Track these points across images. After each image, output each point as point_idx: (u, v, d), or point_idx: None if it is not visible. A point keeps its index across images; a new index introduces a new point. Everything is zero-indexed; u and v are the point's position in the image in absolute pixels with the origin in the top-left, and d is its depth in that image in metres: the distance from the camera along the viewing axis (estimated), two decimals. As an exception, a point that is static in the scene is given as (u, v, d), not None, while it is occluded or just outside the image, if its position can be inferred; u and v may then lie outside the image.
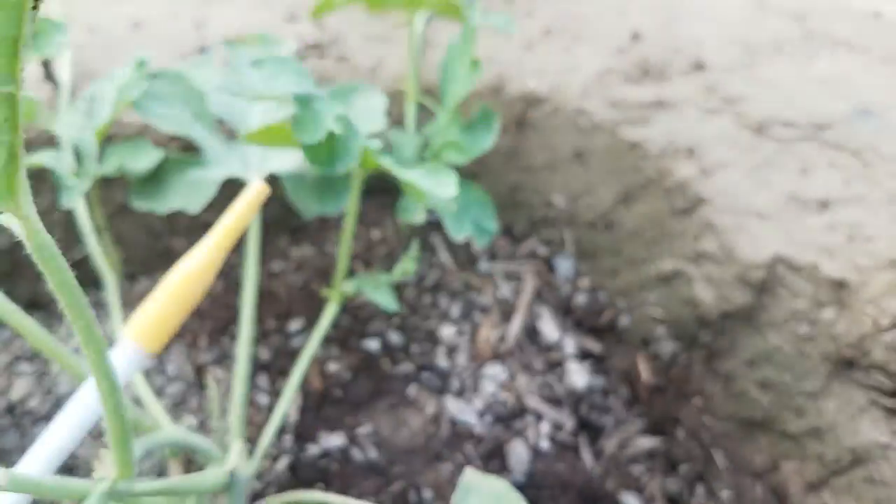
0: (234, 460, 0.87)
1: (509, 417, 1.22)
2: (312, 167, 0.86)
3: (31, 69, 1.34)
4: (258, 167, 1.17)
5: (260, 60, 0.90)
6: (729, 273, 1.21)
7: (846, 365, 1.10)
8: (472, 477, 0.90)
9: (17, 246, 1.30)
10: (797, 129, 1.37)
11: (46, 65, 1.29)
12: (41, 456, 0.80)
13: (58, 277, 0.53)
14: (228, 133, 1.28)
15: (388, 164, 0.92)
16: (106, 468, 0.70)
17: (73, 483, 0.66)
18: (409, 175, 0.91)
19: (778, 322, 1.17)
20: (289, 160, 1.17)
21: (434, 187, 0.90)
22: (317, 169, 0.81)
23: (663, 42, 1.59)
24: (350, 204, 1.07)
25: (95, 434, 1.16)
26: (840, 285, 1.11)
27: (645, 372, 1.30)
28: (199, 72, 1.24)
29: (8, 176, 0.46)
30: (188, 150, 1.30)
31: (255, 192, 1.03)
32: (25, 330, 0.89)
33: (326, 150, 0.82)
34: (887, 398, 1.06)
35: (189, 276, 0.95)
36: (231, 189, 1.21)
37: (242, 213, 1.02)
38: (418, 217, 1.26)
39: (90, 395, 0.85)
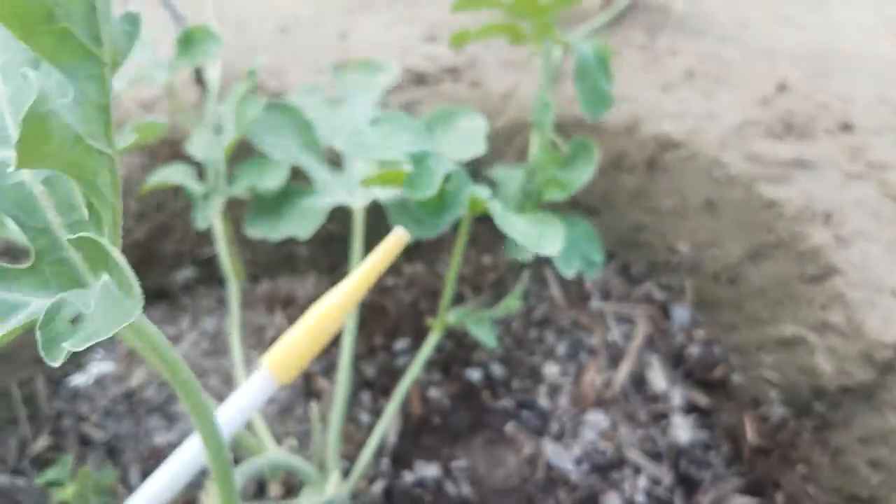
0: (332, 490, 0.89)
1: (607, 467, 1.21)
2: (421, 215, 0.87)
3: (184, 75, 1.40)
4: (363, 195, 1.20)
5: (377, 119, 0.92)
6: (854, 348, 1.17)
7: (967, 459, 1.05)
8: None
9: (150, 237, 1.36)
10: (946, 203, 1.31)
11: (198, 70, 1.34)
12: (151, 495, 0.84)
13: (179, 379, 0.56)
14: (334, 160, 1.30)
15: (495, 211, 0.92)
16: (210, 501, 0.73)
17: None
18: (514, 228, 0.92)
19: (900, 405, 1.12)
20: (393, 190, 1.19)
21: (539, 243, 0.90)
22: (426, 220, 0.83)
23: (811, 96, 1.54)
24: (457, 245, 1.08)
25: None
26: (971, 375, 1.06)
27: (751, 432, 1.27)
28: (309, 100, 1.27)
29: (113, 238, 0.48)
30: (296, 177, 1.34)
31: (395, 240, 1.06)
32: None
33: (436, 202, 0.84)
34: None
35: (327, 314, 0.98)
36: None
37: (381, 258, 1.04)
38: (526, 255, 1.26)
39: (194, 448, 0.88)
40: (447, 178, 0.83)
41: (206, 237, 1.38)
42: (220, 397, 1.22)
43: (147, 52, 1.25)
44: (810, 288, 1.25)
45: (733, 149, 1.41)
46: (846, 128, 1.47)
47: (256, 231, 1.17)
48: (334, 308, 0.98)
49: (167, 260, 1.39)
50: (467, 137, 1.21)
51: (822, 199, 1.32)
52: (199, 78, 1.35)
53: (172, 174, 1.19)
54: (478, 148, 1.20)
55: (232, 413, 0.90)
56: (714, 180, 1.39)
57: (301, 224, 1.16)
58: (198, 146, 1.21)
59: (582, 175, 1.19)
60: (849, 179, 1.36)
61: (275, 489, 1.11)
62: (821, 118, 1.48)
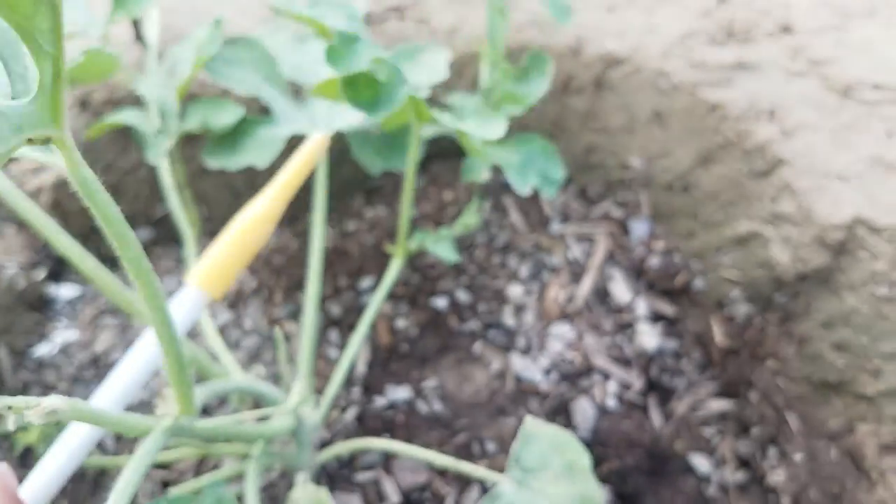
0: (295, 399, 0.89)
1: (575, 376, 1.22)
2: (354, 105, 0.87)
3: (120, 31, 1.39)
4: (324, 125, 1.19)
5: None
6: (807, 234, 1.18)
7: (926, 327, 1.07)
8: (533, 425, 0.91)
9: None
10: (886, 92, 1.32)
11: (136, 25, 1.33)
12: (108, 396, 0.84)
13: (102, 211, 0.54)
14: (298, 95, 1.30)
15: (437, 115, 0.92)
16: (168, 406, 0.73)
17: (136, 418, 0.69)
18: (457, 123, 0.92)
19: (856, 284, 1.14)
20: (354, 117, 1.19)
21: (482, 130, 0.91)
22: (359, 109, 0.83)
23: (752, 4, 1.55)
24: (410, 158, 1.08)
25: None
26: (922, 246, 1.07)
27: (718, 334, 1.28)
28: (273, 37, 1.27)
29: (53, 96, 0.45)
30: (261, 113, 1.34)
31: (314, 144, 1.06)
32: (106, 286, 0.93)
33: (370, 94, 0.84)
34: (969, 362, 1.03)
35: (249, 225, 0.98)
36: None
37: (302, 164, 1.04)
38: (483, 175, 1.26)
39: (148, 349, 0.88)
40: (380, 67, 0.83)
41: (158, 196, 1.37)
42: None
43: (81, 10, 1.24)
44: (760, 183, 1.26)
45: (676, 58, 1.42)
46: (787, 30, 1.48)
47: (215, 162, 1.17)
48: (257, 219, 0.98)
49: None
50: (430, 68, 1.21)
51: (766, 98, 1.33)
52: (137, 35, 1.34)
53: (123, 116, 1.18)
54: (440, 74, 1.20)
55: (147, 353, 0.89)
56: (659, 91, 1.40)
57: (259, 153, 1.16)
58: (149, 85, 1.20)
59: (538, 88, 1.19)
60: (791, 77, 1.37)
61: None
62: (762, 23, 1.49)
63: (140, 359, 0.86)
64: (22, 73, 0.49)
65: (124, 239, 0.57)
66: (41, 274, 1.29)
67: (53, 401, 0.53)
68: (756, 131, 1.29)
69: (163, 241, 1.42)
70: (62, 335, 1.27)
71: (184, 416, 0.72)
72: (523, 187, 1.15)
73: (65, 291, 1.31)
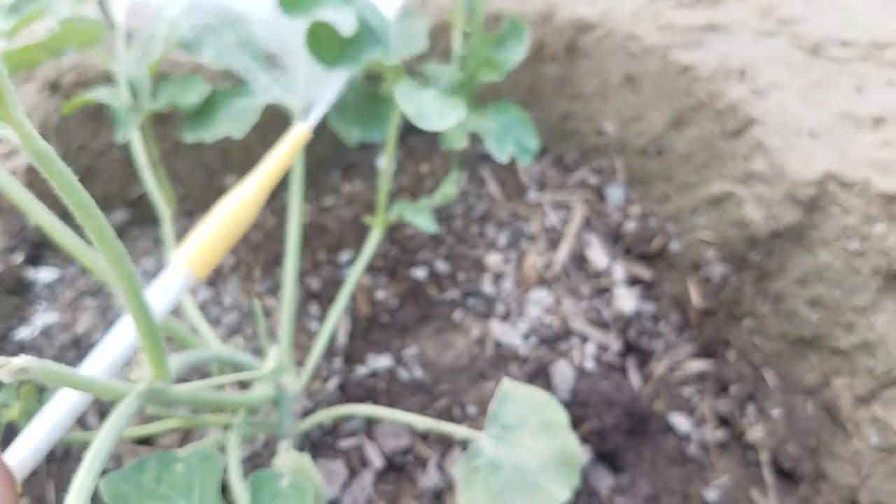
0: (272, 364, 0.90)
1: (554, 339, 1.24)
2: (317, 59, 0.87)
3: (88, 10, 1.38)
4: (302, 93, 1.20)
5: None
6: (779, 192, 1.19)
7: (898, 279, 1.08)
8: (510, 386, 0.92)
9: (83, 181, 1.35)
10: (855, 49, 1.33)
11: (102, 5, 1.33)
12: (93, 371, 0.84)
13: (60, 181, 0.54)
14: (275, 63, 1.30)
15: (400, 87, 0.93)
16: (143, 371, 0.73)
17: (110, 382, 0.69)
18: (412, 102, 0.92)
19: (828, 239, 1.15)
20: (331, 87, 1.19)
21: (435, 119, 0.91)
22: (321, 64, 0.83)
23: (716, -34, 1.56)
24: (392, 126, 1.08)
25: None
26: (892, 199, 1.08)
27: (695, 296, 1.30)
28: (247, 4, 1.27)
29: None
30: (237, 84, 1.34)
31: (298, 134, 1.06)
32: (86, 259, 0.93)
33: (335, 51, 0.84)
34: (940, 311, 1.05)
35: (237, 207, 0.98)
36: (282, 121, 1.25)
37: (287, 152, 1.04)
38: (461, 143, 1.27)
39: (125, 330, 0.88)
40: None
41: (133, 176, 1.37)
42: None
43: None
44: (732, 142, 1.27)
45: (646, 22, 1.43)
46: (754, -10, 1.48)
47: (191, 135, 1.17)
48: (245, 201, 0.99)
49: (97, 203, 1.38)
50: (409, 36, 1.21)
51: (736, 58, 1.34)
52: (105, 15, 1.34)
53: (95, 94, 1.18)
54: (420, 44, 1.20)
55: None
56: (631, 54, 1.41)
57: (235, 124, 1.16)
58: (120, 64, 1.20)
59: (515, 54, 1.19)
60: (760, 37, 1.38)
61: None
62: (729, -15, 1.50)
63: (123, 334, 0.87)
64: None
65: (84, 206, 0.57)
66: (19, 258, 1.29)
67: (24, 360, 0.53)
68: (727, 91, 1.29)
69: (139, 221, 1.42)
70: (42, 318, 1.27)
71: (159, 380, 0.72)
72: (501, 154, 1.16)
73: (44, 275, 1.31)
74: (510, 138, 1.19)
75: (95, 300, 1.31)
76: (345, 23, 0.94)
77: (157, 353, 0.70)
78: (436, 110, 0.92)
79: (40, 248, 1.34)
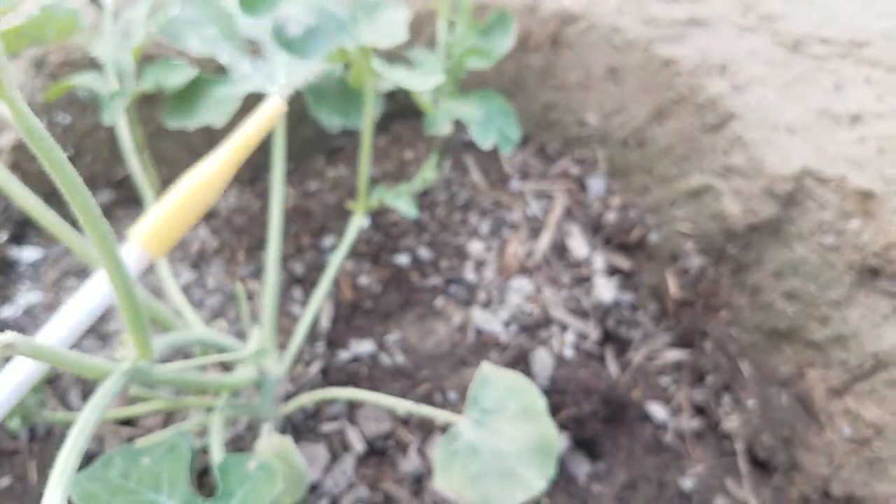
0: (254, 346, 0.91)
1: (534, 327, 1.25)
2: (282, 47, 0.88)
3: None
4: (283, 81, 1.20)
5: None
6: (757, 186, 1.21)
7: (871, 273, 1.10)
8: (489, 370, 0.93)
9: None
10: (834, 46, 1.35)
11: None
12: (54, 334, 0.85)
13: (50, 158, 0.55)
14: (256, 51, 1.31)
15: (380, 68, 0.94)
16: (126, 351, 0.74)
17: (95, 360, 0.70)
18: (394, 73, 0.94)
19: (804, 233, 1.17)
20: (312, 75, 1.20)
21: (418, 81, 0.92)
22: (287, 52, 0.84)
23: (701, -39, 1.57)
24: (366, 111, 1.09)
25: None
26: (867, 196, 1.11)
27: (673, 287, 1.32)
28: None
29: None
30: (219, 72, 1.34)
31: (270, 108, 1.06)
32: (67, 238, 0.93)
33: (300, 41, 0.86)
34: (912, 306, 1.07)
35: (196, 185, 0.98)
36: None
37: (255, 127, 1.05)
38: (445, 129, 1.28)
39: (102, 282, 0.89)
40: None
41: (118, 157, 1.37)
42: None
43: None
44: (712, 136, 1.29)
45: (630, 14, 1.44)
46: (737, -14, 1.50)
47: (174, 122, 1.18)
48: (204, 179, 0.98)
49: (83, 185, 1.38)
50: (388, 27, 1.22)
51: (717, 53, 1.35)
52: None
53: (80, 79, 1.18)
54: (399, 35, 1.21)
55: (98, 291, 0.90)
56: (614, 47, 1.42)
57: (216, 113, 1.17)
58: (104, 48, 1.20)
59: (502, 43, 1.21)
60: (742, 32, 1.40)
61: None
62: (713, -20, 1.52)
63: (85, 301, 0.87)
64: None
65: (73, 185, 0.58)
66: (3, 237, 1.29)
67: (9, 336, 0.54)
68: (708, 86, 1.31)
69: (123, 202, 1.42)
70: (25, 297, 1.27)
71: (142, 360, 0.73)
72: (485, 142, 1.17)
73: (27, 254, 1.31)
74: (493, 127, 1.21)
75: (79, 280, 1.31)
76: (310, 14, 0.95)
77: (140, 332, 0.70)
78: (418, 76, 0.94)
79: (24, 228, 1.34)
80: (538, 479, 0.86)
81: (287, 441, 0.92)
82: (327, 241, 1.36)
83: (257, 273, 1.32)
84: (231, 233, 1.36)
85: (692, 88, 1.32)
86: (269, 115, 1.07)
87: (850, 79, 1.29)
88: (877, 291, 1.10)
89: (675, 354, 1.28)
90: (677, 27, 1.41)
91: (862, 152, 1.16)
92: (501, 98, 1.24)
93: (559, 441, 0.89)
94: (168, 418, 1.15)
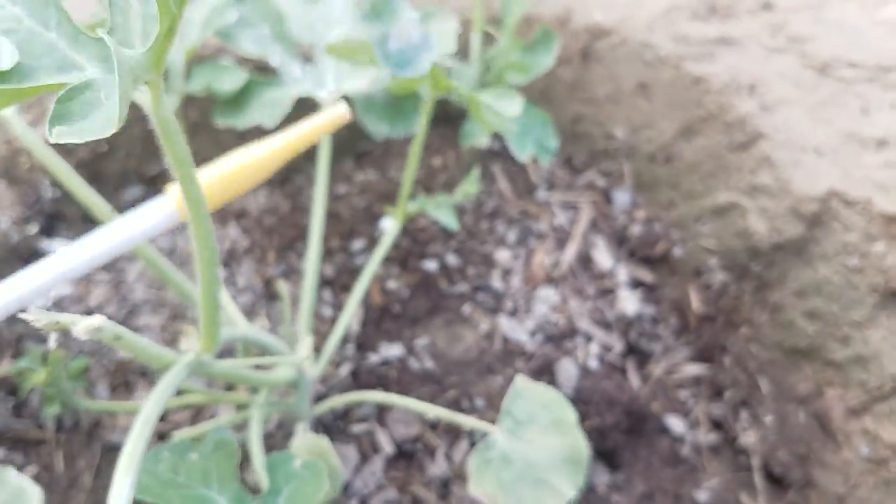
0: (304, 352, 0.93)
1: (560, 337, 1.27)
2: (385, 70, 0.90)
3: None
4: (332, 87, 1.22)
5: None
6: (783, 206, 1.23)
7: (894, 296, 1.12)
8: (522, 384, 0.95)
9: (94, 156, 1.37)
10: (861, 70, 1.37)
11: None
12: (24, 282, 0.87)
13: (175, 150, 0.58)
14: (307, 56, 1.32)
15: (457, 84, 0.96)
16: (191, 343, 0.76)
17: (162, 350, 0.72)
18: (478, 95, 0.96)
19: (828, 254, 1.19)
20: (361, 82, 1.22)
21: (501, 106, 0.94)
22: (390, 71, 0.86)
23: (732, -22, 1.59)
24: (420, 126, 1.11)
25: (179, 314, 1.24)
26: (892, 220, 1.13)
27: (695, 301, 1.34)
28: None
29: (162, 47, 0.49)
30: (263, 71, 1.36)
31: (335, 114, 1.08)
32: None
33: (401, 55, 0.87)
34: (933, 330, 1.09)
35: (243, 162, 0.99)
36: (307, 113, 1.27)
37: (316, 126, 1.06)
38: (483, 141, 1.30)
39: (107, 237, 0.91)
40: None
41: (152, 153, 1.39)
42: (181, 315, 1.26)
43: None
44: (739, 155, 1.31)
45: (661, 31, 1.46)
46: (767, 6, 1.52)
47: (225, 120, 1.21)
48: (256, 160, 0.99)
49: (113, 179, 1.40)
50: (439, 36, 1.24)
51: (746, 73, 1.37)
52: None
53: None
54: (449, 45, 1.23)
55: (125, 233, 0.93)
56: (645, 63, 1.44)
57: (267, 113, 1.19)
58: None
59: (544, 60, 1.24)
60: (771, 53, 1.42)
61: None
62: (743, 0, 1.54)
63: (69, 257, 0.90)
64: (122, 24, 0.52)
65: (191, 181, 0.61)
66: (34, 228, 1.31)
67: (99, 319, 0.55)
68: (737, 105, 1.33)
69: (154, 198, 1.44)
70: (55, 290, 1.29)
71: (206, 353, 0.75)
72: (522, 154, 1.20)
73: (58, 246, 1.33)
74: (531, 138, 1.23)
75: (109, 274, 1.33)
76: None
77: (212, 326, 0.73)
78: (505, 101, 0.96)
79: (55, 220, 1.36)
80: (569, 488, 0.89)
81: (323, 441, 0.94)
82: (357, 244, 1.38)
83: (287, 273, 1.34)
84: (261, 232, 1.38)
85: (721, 106, 1.34)
86: (332, 119, 1.08)
87: (877, 103, 1.31)
88: (899, 314, 1.12)
89: (694, 369, 1.30)
90: (707, 46, 1.43)
91: (888, 176, 1.18)
92: (539, 109, 1.26)
93: (588, 452, 0.91)
94: (197, 414, 1.17)
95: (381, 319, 1.28)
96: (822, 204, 1.19)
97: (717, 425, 1.25)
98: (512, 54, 1.24)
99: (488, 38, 1.46)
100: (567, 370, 1.22)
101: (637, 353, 1.31)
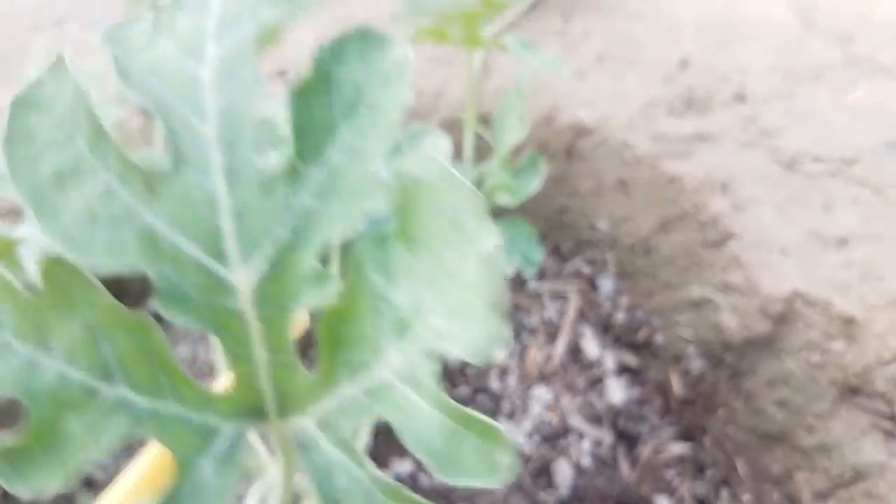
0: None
1: (554, 437, 1.40)
2: None
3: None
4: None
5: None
6: (752, 304, 1.35)
7: (852, 391, 1.24)
8: None
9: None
10: (825, 164, 1.48)
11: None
12: None
13: None
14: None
15: None
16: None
17: None
18: None
19: (793, 350, 1.31)
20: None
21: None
22: None
23: (710, 69, 1.71)
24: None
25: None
26: (850, 321, 1.24)
27: (677, 385, 1.46)
28: None
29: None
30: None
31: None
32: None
33: None
34: (887, 422, 1.20)
35: None
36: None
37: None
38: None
39: None
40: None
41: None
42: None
43: (95, 87, 1.31)
44: (712, 252, 1.43)
45: (640, 130, 1.58)
46: (741, 98, 1.64)
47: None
48: None
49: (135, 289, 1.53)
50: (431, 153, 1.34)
51: (720, 170, 1.49)
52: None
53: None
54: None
55: None
56: (624, 161, 1.56)
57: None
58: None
59: (531, 184, 1.35)
60: (743, 148, 1.54)
61: None
62: (719, 91, 1.65)
63: None
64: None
65: None
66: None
67: None
68: (710, 204, 1.45)
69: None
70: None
71: None
72: (508, 267, 1.32)
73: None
74: (517, 251, 1.35)
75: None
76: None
77: None
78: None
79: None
80: None
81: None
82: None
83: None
84: None
85: (695, 205, 1.46)
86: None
87: (839, 198, 1.43)
88: (857, 408, 1.24)
89: (678, 448, 1.42)
90: (683, 143, 1.55)
91: (846, 277, 1.30)
92: (526, 225, 1.38)
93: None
94: None
95: (391, 433, 1.40)
96: (787, 304, 1.31)
97: (700, 503, 1.37)
98: (502, 177, 1.36)
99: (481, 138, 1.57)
100: (563, 471, 1.34)
101: (626, 439, 1.43)
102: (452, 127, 1.63)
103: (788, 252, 1.36)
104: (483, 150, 1.57)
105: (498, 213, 1.64)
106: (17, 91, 0.52)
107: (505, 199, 1.35)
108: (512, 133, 1.34)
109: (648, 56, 1.76)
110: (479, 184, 1.42)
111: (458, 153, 1.60)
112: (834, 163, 1.49)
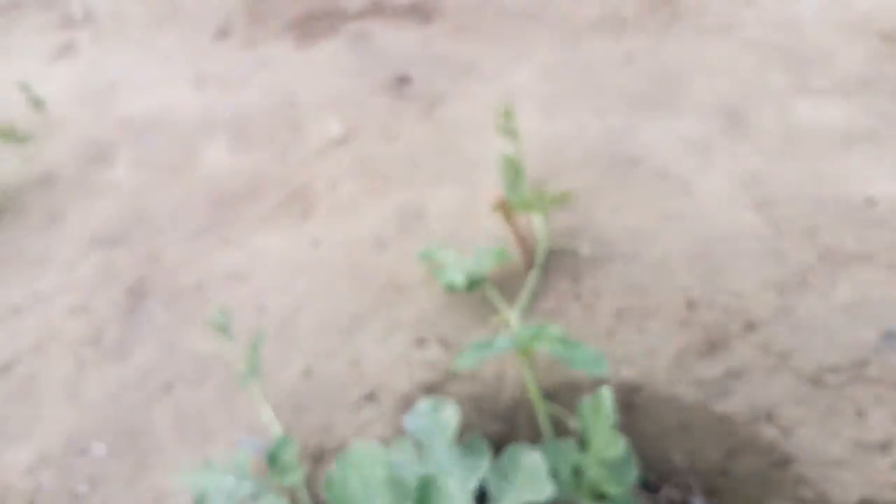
0: None
1: None
2: None
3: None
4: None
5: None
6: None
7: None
8: None
9: None
10: (843, 373, 1.75)
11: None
12: None
13: None
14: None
15: None
16: None
17: None
18: None
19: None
20: None
21: None
22: None
23: (714, 304, 1.96)
24: None
25: None
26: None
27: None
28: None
29: None
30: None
31: None
32: None
33: None
34: None
35: None
36: None
37: None
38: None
39: None
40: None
41: None
42: None
43: None
44: (780, 473, 1.67)
45: (681, 382, 1.84)
46: (750, 327, 1.90)
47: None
48: None
49: None
50: (531, 476, 1.56)
51: (760, 401, 1.73)
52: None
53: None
54: (545, 489, 1.54)
55: None
56: (678, 409, 1.82)
57: None
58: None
59: (629, 474, 1.59)
60: (769, 375, 1.79)
61: None
62: (729, 324, 1.91)
63: None
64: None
65: None
66: None
67: None
68: (762, 433, 1.70)
69: None
70: None
71: None
72: None
73: None
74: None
75: None
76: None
77: None
78: None
79: None
80: None
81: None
82: None
83: None
84: None
85: (751, 436, 1.72)
86: None
87: (867, 404, 1.68)
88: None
89: None
90: (720, 383, 1.80)
91: (897, 479, 1.56)
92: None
93: None
94: None
95: None
96: (860, 510, 1.56)
97: None
98: (602, 473, 1.60)
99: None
100: None
101: None
102: (521, 404, 1.88)
103: (843, 464, 1.62)
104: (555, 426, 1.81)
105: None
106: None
107: (612, 490, 1.59)
108: (610, 449, 1.56)
109: (658, 302, 1.99)
110: (578, 473, 1.65)
111: (533, 430, 1.85)
112: (850, 370, 1.75)
